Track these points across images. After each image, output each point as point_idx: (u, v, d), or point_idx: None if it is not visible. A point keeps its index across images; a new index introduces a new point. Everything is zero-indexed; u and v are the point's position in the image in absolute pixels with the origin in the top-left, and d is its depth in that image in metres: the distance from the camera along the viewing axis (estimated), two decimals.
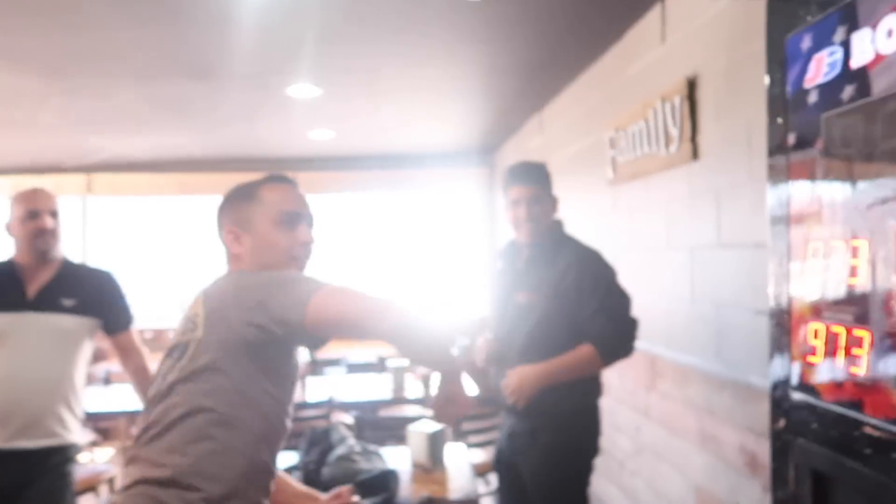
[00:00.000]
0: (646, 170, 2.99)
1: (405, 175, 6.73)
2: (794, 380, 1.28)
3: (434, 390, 1.38)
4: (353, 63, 3.52)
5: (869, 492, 1.11)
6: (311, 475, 2.33)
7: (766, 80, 1.35)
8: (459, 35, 3.17)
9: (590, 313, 2.19)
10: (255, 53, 3.29)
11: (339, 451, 2.38)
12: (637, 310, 2.27)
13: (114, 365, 4.23)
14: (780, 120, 1.30)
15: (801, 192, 1.25)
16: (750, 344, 2.16)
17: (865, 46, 1.06)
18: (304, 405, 3.58)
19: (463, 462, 2.58)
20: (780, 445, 1.35)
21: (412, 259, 6.94)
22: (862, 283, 1.09)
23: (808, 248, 1.23)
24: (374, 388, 4.15)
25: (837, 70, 1.13)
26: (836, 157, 1.15)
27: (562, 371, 2.19)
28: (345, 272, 6.78)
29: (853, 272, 1.10)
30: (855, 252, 1.10)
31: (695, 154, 2.57)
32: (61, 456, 2.19)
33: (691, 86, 2.57)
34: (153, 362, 2.51)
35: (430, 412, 1.45)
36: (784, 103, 1.28)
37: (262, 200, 1.44)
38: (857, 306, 1.10)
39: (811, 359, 1.23)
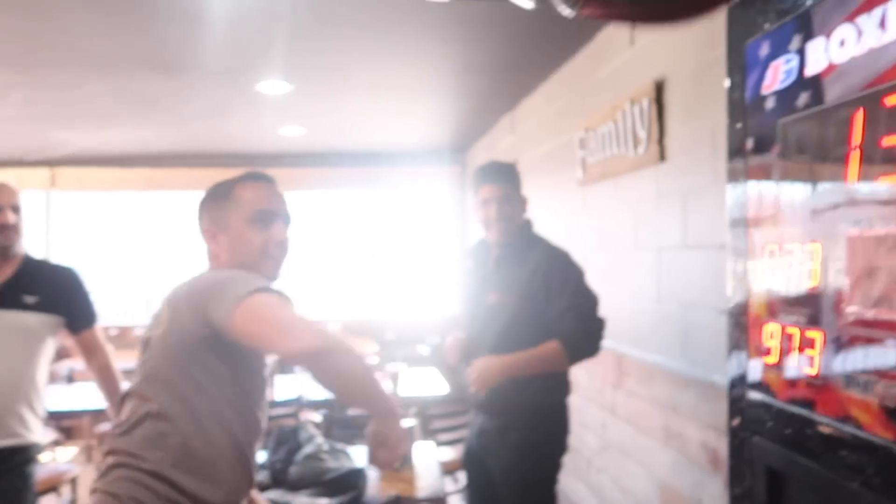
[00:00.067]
0: (615, 171, 3.03)
1: (377, 172, 6.72)
2: (751, 379, 1.32)
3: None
4: (324, 60, 3.50)
5: (820, 488, 1.14)
6: (279, 474, 2.32)
7: (727, 84, 1.38)
8: (431, 34, 3.17)
9: (558, 313, 2.22)
10: (224, 49, 3.25)
11: (307, 449, 2.37)
12: (605, 309, 2.30)
13: (77, 363, 4.16)
14: (739, 125, 1.33)
15: (758, 195, 1.28)
16: (714, 344, 2.20)
17: (819, 55, 1.09)
18: (272, 404, 3.56)
19: (431, 460, 2.59)
20: (738, 443, 1.38)
21: (384, 256, 6.93)
22: (815, 286, 1.12)
23: (766, 251, 1.26)
24: None
25: (793, 77, 1.16)
26: (791, 163, 1.18)
27: (527, 365, 2.20)
28: (317, 270, 6.75)
29: (807, 275, 1.14)
30: (809, 255, 1.13)
31: (662, 156, 2.61)
32: (22, 456, 2.14)
33: (659, 89, 2.61)
34: (118, 360, 2.49)
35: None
36: (743, 108, 1.31)
37: (237, 199, 1.44)
38: (810, 308, 1.13)
39: (767, 359, 1.26)
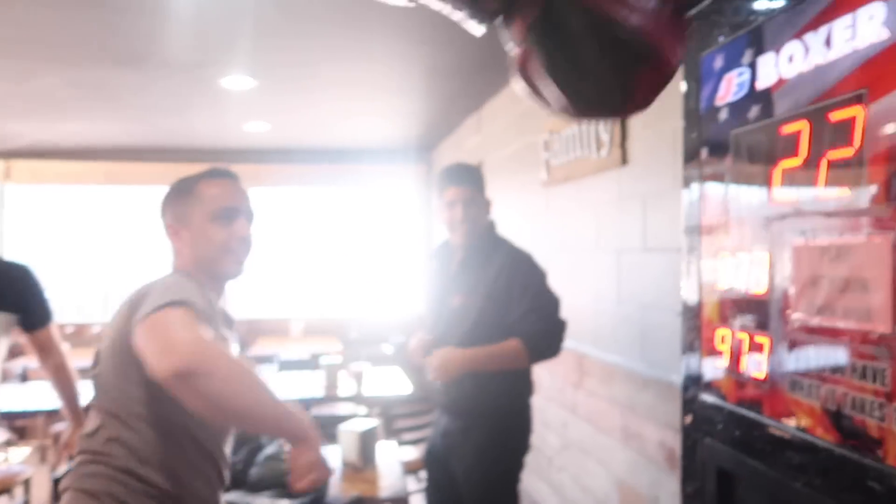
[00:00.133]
0: (578, 173, 3.07)
1: (342, 170, 6.68)
2: (703, 381, 1.35)
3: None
4: (289, 56, 3.47)
5: (767, 488, 1.18)
6: (240, 475, 2.29)
7: (683, 92, 1.41)
8: (399, 33, 3.17)
9: (520, 314, 2.24)
10: (187, 42, 3.20)
11: (269, 450, 2.35)
12: (567, 309, 2.33)
13: (31, 361, 4.05)
14: (694, 134, 1.37)
15: (712, 202, 1.31)
16: (671, 345, 2.25)
17: (770, 70, 1.13)
18: None
19: (393, 460, 2.59)
20: (690, 444, 1.42)
21: (349, 255, 6.90)
22: (763, 292, 1.16)
23: (718, 256, 1.30)
24: (307, 385, 4.11)
25: (745, 90, 1.19)
26: (742, 173, 1.22)
27: (487, 360, 2.22)
28: (280, 267, 6.69)
29: (756, 281, 1.18)
30: (758, 262, 1.17)
31: (624, 159, 2.65)
32: None
33: None
34: (75, 358, 2.44)
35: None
36: (698, 118, 1.35)
37: (199, 196, 1.44)
38: (759, 314, 1.17)
39: (718, 363, 1.30)
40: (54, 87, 3.96)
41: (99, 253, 6.52)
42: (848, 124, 0.96)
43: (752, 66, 1.17)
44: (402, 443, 3.70)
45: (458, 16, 1.02)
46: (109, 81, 3.88)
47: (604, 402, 2.82)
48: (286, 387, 4.07)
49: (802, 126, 1.05)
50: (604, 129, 2.78)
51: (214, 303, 1.43)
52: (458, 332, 2.30)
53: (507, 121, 4.23)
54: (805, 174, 1.05)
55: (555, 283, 2.34)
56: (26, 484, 3.44)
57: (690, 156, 1.39)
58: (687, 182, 1.40)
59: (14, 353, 3.62)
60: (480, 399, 2.26)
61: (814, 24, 1.03)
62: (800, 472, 1.07)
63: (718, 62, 1.27)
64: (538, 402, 2.72)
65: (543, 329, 2.25)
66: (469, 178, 2.38)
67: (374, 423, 2.64)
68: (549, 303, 2.29)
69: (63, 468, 2.12)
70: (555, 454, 3.39)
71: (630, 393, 2.59)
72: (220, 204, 1.43)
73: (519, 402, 2.37)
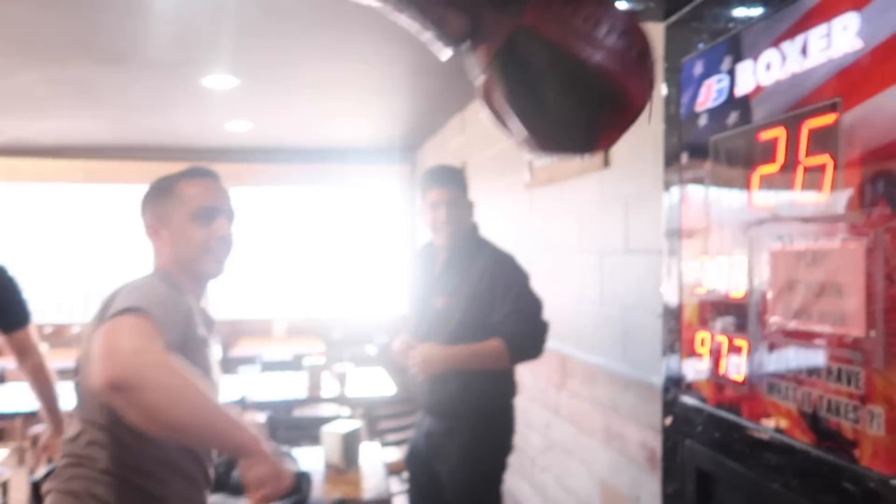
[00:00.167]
0: (561, 174, 3.09)
1: (325, 170, 6.65)
2: (684, 383, 1.37)
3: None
4: (272, 56, 3.45)
5: (746, 489, 1.20)
6: (222, 477, 2.28)
7: (664, 97, 1.43)
8: (382, 33, 3.16)
9: (502, 316, 2.25)
10: (168, 41, 3.17)
11: None
12: (550, 311, 2.34)
13: (9, 362, 4.00)
14: (674, 138, 1.38)
15: (691, 207, 1.33)
16: (653, 346, 2.26)
17: (748, 77, 1.14)
18: None
19: (377, 462, 2.59)
20: (671, 445, 1.43)
21: (332, 255, 6.88)
22: (741, 296, 1.17)
23: (697, 260, 1.31)
24: (289, 387, 4.09)
25: (724, 97, 1.21)
26: (722, 178, 1.23)
27: (469, 358, 2.23)
28: (263, 268, 6.65)
29: (735, 285, 1.19)
30: (736, 266, 1.18)
31: (606, 162, 2.67)
32: None
33: None
34: (54, 359, 2.41)
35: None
36: (678, 123, 1.36)
37: (179, 195, 1.44)
38: (737, 317, 1.19)
39: (698, 365, 1.31)
40: (33, 84, 3.91)
41: (79, 252, 6.44)
42: (823, 132, 0.98)
43: (731, 72, 1.19)
44: (385, 444, 3.70)
45: (426, 37, 1.03)
46: (90, 79, 3.84)
47: (586, 403, 2.84)
48: (269, 388, 4.06)
49: (779, 133, 1.07)
50: None
51: (194, 304, 1.42)
52: (442, 333, 2.31)
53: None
54: (782, 180, 1.06)
55: (538, 284, 2.36)
56: (4, 486, 3.39)
57: (671, 160, 1.40)
58: (667, 186, 1.41)
59: None
60: (465, 400, 2.27)
61: (791, 33, 1.05)
62: (778, 474, 1.09)
63: (698, 68, 1.28)
64: (521, 403, 2.73)
65: (526, 330, 2.27)
66: (452, 180, 2.38)
67: (357, 424, 2.64)
68: (532, 304, 2.31)
69: (41, 470, 2.10)
70: (538, 454, 3.40)
71: (612, 394, 2.61)
72: (199, 203, 1.43)
73: (502, 402, 2.38)
